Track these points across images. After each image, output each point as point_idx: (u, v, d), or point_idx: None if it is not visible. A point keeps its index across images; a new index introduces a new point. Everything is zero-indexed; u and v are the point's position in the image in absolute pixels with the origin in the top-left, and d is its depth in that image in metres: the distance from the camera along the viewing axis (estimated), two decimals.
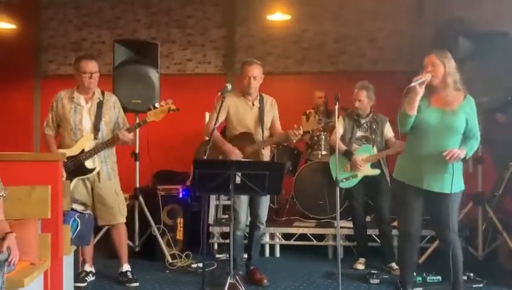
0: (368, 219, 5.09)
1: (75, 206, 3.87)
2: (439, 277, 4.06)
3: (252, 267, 4.35)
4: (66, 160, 3.74)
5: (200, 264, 4.24)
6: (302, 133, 4.02)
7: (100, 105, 4.12)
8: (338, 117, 3.97)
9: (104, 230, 4.58)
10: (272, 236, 5.24)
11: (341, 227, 4.29)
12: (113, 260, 4.47)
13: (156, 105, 4.13)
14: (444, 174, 3.40)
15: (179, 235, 5.02)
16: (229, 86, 4.06)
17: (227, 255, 3.88)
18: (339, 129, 4.63)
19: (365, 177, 4.64)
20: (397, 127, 3.58)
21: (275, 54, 7.21)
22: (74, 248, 3.67)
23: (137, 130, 4.87)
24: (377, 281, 4.24)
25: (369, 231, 4.89)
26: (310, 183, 5.43)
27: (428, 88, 3.39)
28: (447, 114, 3.39)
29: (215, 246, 5.23)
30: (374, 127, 4.66)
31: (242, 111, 4.24)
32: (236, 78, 5.76)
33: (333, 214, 5.09)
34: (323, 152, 5.72)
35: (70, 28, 7.41)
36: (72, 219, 3.67)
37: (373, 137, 4.65)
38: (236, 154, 4.09)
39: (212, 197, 5.30)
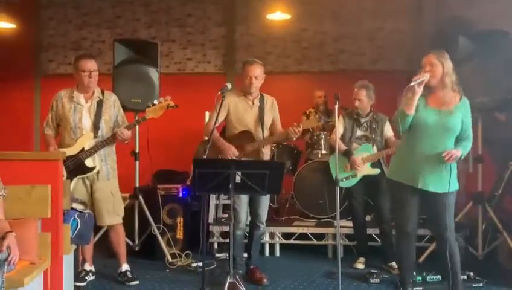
0: (368, 218, 5.10)
1: (75, 205, 3.86)
2: (439, 276, 4.06)
3: (251, 267, 4.35)
4: (66, 159, 3.74)
5: (200, 264, 4.24)
6: (301, 130, 4.02)
7: (100, 104, 4.12)
8: (338, 116, 3.96)
9: (103, 229, 4.58)
10: (272, 235, 5.24)
11: (341, 226, 4.29)
12: (112, 259, 4.47)
13: (155, 102, 4.13)
14: (440, 174, 3.41)
15: (179, 234, 5.02)
16: (229, 86, 4.06)
17: (227, 255, 3.88)
18: (339, 128, 4.63)
19: (365, 176, 4.64)
20: (398, 127, 3.58)
21: (275, 53, 7.21)
22: (74, 247, 3.67)
23: (138, 129, 4.89)
24: (376, 280, 4.24)
25: (369, 231, 4.89)
26: (309, 182, 5.43)
27: (426, 88, 3.39)
28: (444, 114, 3.40)
29: (215, 246, 5.23)
30: (374, 126, 4.66)
31: (242, 110, 4.24)
32: (236, 78, 5.77)
33: (333, 213, 5.10)
34: (323, 151, 5.71)
35: (70, 27, 7.41)
36: (72, 218, 3.66)
37: (373, 136, 4.65)
38: (233, 152, 4.10)
39: (212, 197, 5.29)
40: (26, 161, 3.35)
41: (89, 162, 4.02)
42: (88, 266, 4.27)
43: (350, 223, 4.89)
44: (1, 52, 7.00)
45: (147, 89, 4.82)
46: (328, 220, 5.30)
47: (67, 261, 3.50)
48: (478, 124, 4.66)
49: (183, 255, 4.81)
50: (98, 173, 4.07)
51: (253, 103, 4.25)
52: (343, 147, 4.61)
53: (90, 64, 4.06)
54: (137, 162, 5.06)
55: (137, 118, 4.37)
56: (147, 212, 4.95)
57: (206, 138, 4.15)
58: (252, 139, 4.17)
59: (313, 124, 4.25)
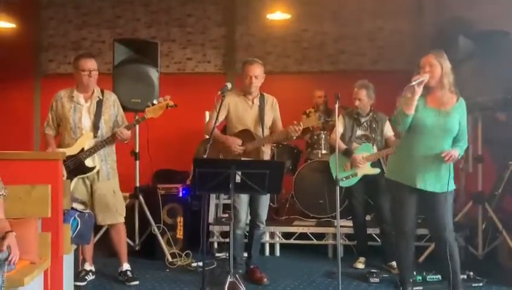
0: (368, 218, 5.10)
1: (75, 205, 3.87)
2: (439, 276, 4.06)
3: (252, 266, 4.35)
4: (66, 159, 3.74)
5: (200, 263, 4.24)
6: (301, 128, 4.01)
7: (100, 103, 4.12)
8: (338, 116, 3.96)
9: (104, 229, 4.59)
10: (272, 235, 5.24)
11: (341, 226, 4.28)
12: (113, 258, 4.47)
13: (154, 102, 4.14)
14: (438, 174, 3.43)
15: (179, 234, 5.02)
16: (229, 85, 4.06)
17: (227, 254, 3.88)
18: (339, 128, 4.63)
19: (365, 176, 4.64)
20: (397, 127, 3.59)
21: (275, 53, 7.22)
22: (74, 247, 3.67)
23: (138, 129, 4.88)
24: (376, 280, 4.24)
25: (369, 230, 4.90)
26: (309, 182, 5.43)
27: (424, 88, 3.39)
28: (442, 115, 3.42)
29: (215, 245, 5.23)
30: (374, 126, 4.66)
31: (242, 110, 4.24)
32: (236, 77, 5.76)
33: (333, 213, 5.10)
34: (323, 151, 5.72)
35: (70, 27, 7.42)
36: (72, 218, 3.66)
37: (373, 136, 4.65)
38: (238, 143, 4.11)
39: (212, 196, 5.30)
40: (26, 161, 3.35)
41: (89, 162, 4.02)
42: (88, 266, 4.28)
43: (350, 223, 4.90)
44: (1, 52, 7.00)
45: (147, 89, 4.81)
46: (328, 220, 5.30)
47: (68, 261, 3.50)
48: (478, 124, 4.66)
49: (183, 255, 4.81)
50: (98, 172, 4.07)
51: (253, 103, 4.25)
52: (343, 147, 4.61)
53: (90, 64, 4.06)
54: (137, 162, 5.06)
55: (136, 118, 4.37)
56: (147, 212, 4.95)
57: (207, 137, 4.15)
58: (252, 137, 4.17)
59: (313, 122, 4.24)
